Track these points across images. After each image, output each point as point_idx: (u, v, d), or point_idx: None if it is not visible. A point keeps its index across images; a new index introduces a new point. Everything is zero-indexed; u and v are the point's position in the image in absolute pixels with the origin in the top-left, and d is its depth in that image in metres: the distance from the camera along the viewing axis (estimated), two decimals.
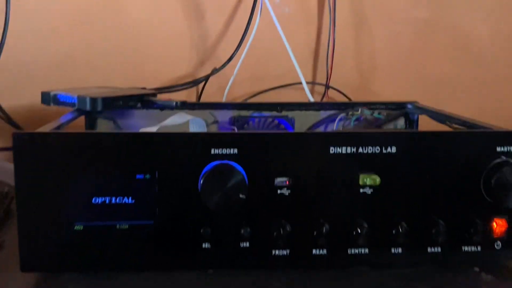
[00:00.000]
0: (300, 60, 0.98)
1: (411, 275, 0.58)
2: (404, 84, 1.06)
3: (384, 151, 0.56)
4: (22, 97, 0.92)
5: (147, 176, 0.55)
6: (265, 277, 0.57)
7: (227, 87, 0.97)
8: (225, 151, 0.55)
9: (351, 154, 0.56)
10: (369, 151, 0.56)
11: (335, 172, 0.57)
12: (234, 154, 0.55)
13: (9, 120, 0.89)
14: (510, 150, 0.57)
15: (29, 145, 0.53)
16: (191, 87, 0.96)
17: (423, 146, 0.57)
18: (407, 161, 0.57)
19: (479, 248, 0.59)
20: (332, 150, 0.56)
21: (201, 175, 0.54)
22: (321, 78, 1.05)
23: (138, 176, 0.55)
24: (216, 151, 0.55)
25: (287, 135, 0.57)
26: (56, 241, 0.55)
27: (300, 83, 0.97)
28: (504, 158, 0.57)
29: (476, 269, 0.60)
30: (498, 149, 0.57)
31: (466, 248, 0.59)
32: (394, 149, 0.57)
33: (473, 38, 1.07)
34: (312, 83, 1.04)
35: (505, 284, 0.57)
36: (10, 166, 0.56)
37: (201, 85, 1.01)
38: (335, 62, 1.03)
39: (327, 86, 1.03)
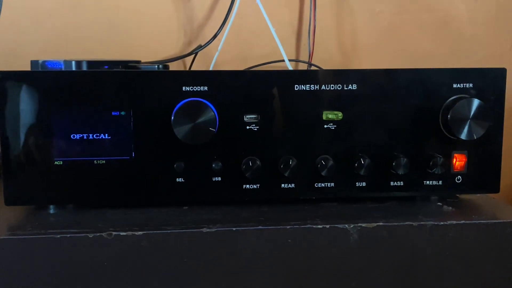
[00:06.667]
0: (283, 39, 1.01)
1: (375, 208, 0.61)
2: (384, 62, 1.10)
3: (345, 88, 0.60)
4: None
5: (123, 113, 0.59)
6: (237, 210, 0.60)
7: (212, 63, 1.01)
8: (196, 88, 0.59)
9: (315, 91, 0.60)
10: (331, 88, 0.60)
11: (300, 109, 0.60)
12: (204, 91, 0.59)
13: None
14: (465, 86, 0.61)
15: (11, 84, 0.57)
16: (175, 59, 1.00)
17: (382, 83, 0.60)
18: (368, 98, 0.60)
19: (440, 182, 0.62)
20: (296, 87, 0.60)
21: (173, 112, 0.58)
22: (304, 56, 1.09)
23: (114, 113, 0.58)
24: (187, 88, 0.59)
25: (254, 73, 0.61)
26: (37, 176, 0.58)
27: (283, 60, 1.01)
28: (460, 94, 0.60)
29: (438, 202, 0.63)
30: (455, 85, 0.61)
31: (427, 182, 0.62)
32: (355, 86, 0.60)
33: (452, 16, 1.11)
34: (295, 61, 1.08)
35: (465, 216, 0.60)
36: None
37: (188, 64, 1.05)
38: (317, 41, 1.06)
39: (309, 64, 1.06)
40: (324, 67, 1.07)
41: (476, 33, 1.12)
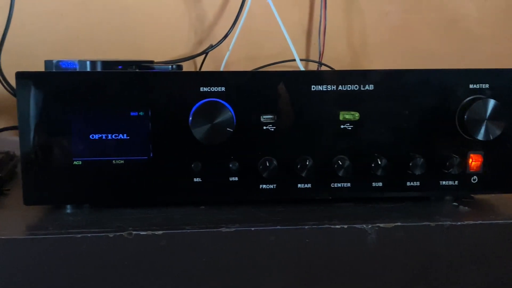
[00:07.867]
0: (293, 39, 1.01)
1: (391, 208, 0.62)
2: (394, 61, 1.10)
3: (362, 88, 0.60)
4: None
5: (141, 113, 0.59)
6: (254, 210, 0.61)
7: (223, 63, 1.01)
8: (213, 89, 0.59)
9: (332, 91, 0.60)
10: (348, 89, 0.60)
11: (317, 109, 0.60)
12: (222, 92, 0.59)
13: None
14: (482, 87, 0.61)
15: (31, 84, 0.57)
16: (187, 59, 1.01)
17: (399, 83, 0.61)
18: (385, 98, 0.60)
19: (456, 183, 0.62)
20: (313, 88, 0.60)
21: (191, 112, 0.58)
22: (314, 56, 1.09)
23: (133, 114, 0.59)
24: (205, 89, 0.59)
25: (271, 74, 0.61)
26: (56, 176, 0.59)
27: (294, 60, 1.01)
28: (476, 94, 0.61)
29: (454, 202, 0.63)
30: (471, 86, 0.61)
31: (443, 183, 0.62)
32: (371, 87, 0.60)
33: (461, 15, 1.11)
34: (306, 60, 1.08)
35: (482, 216, 0.60)
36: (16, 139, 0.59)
37: (198, 64, 1.05)
38: (327, 40, 1.07)
39: (319, 63, 1.06)
40: (334, 67, 1.07)
41: (485, 33, 1.12)
